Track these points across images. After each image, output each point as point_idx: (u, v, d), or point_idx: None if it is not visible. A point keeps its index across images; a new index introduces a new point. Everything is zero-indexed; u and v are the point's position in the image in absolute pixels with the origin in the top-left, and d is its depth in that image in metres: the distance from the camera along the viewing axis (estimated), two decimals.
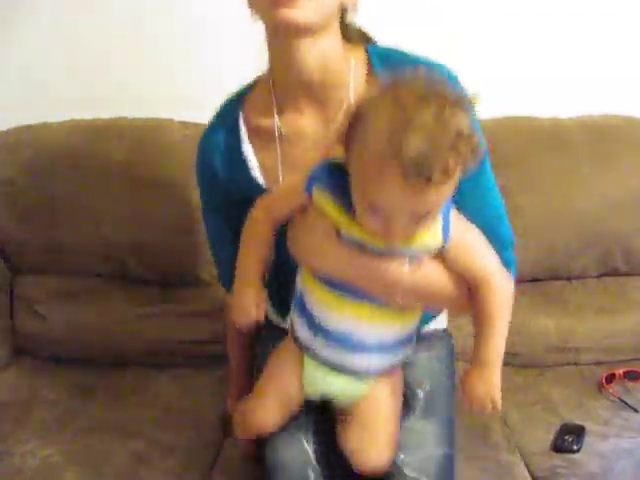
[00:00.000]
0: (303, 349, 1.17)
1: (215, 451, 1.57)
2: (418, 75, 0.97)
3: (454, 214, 1.07)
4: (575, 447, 1.54)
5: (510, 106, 2.04)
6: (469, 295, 1.09)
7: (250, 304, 1.11)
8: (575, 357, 1.90)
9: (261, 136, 1.20)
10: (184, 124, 1.97)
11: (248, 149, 1.22)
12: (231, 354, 1.53)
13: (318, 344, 1.14)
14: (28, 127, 2.00)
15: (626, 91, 2.14)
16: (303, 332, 1.16)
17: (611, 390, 1.76)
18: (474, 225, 1.10)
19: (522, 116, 2.02)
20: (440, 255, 1.07)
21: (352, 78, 1.14)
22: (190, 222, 1.87)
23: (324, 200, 1.05)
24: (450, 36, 2.09)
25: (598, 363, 1.89)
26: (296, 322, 1.18)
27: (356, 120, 0.97)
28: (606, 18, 2.09)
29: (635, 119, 2.04)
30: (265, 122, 1.20)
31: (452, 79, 1.18)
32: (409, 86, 0.96)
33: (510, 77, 2.11)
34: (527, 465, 1.53)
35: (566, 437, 1.57)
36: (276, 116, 1.19)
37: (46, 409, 1.69)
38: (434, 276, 1.09)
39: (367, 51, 1.20)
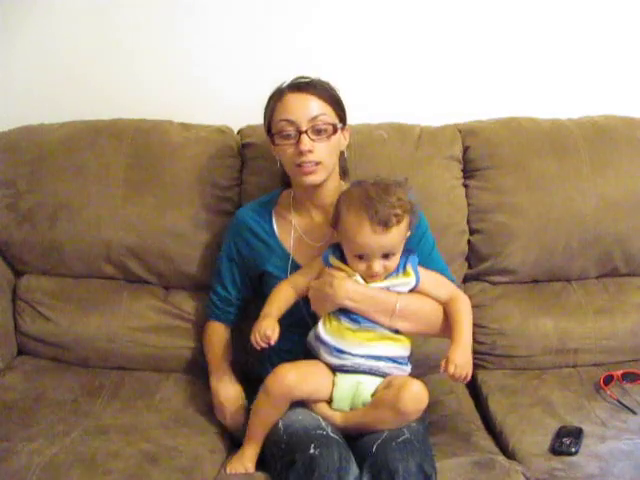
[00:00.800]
0: (333, 368, 1.56)
1: (222, 457, 1.58)
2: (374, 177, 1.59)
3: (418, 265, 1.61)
4: (573, 449, 1.55)
5: (510, 106, 2.05)
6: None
7: (267, 327, 1.53)
8: (574, 359, 1.91)
9: (284, 226, 1.72)
10: (184, 125, 1.97)
11: (275, 227, 1.73)
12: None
13: (345, 362, 1.55)
14: (28, 127, 2.01)
15: (626, 91, 2.14)
16: (330, 358, 1.55)
17: (609, 392, 1.76)
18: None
19: (522, 116, 2.02)
20: (417, 290, 1.60)
21: None
22: (190, 225, 1.88)
23: (338, 263, 1.58)
24: (451, 37, 2.09)
25: (596, 365, 1.90)
26: (322, 353, 1.57)
27: (339, 204, 1.56)
28: (606, 19, 2.10)
29: (635, 119, 2.04)
30: (287, 218, 1.72)
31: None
32: (368, 180, 1.57)
33: (510, 78, 2.12)
34: (525, 468, 1.54)
35: (564, 439, 1.57)
36: (293, 218, 1.72)
37: (52, 410, 1.70)
38: (419, 298, 1.60)
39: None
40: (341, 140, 1.67)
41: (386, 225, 1.48)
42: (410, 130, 1.97)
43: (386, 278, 1.57)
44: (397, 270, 1.58)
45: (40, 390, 1.77)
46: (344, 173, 1.76)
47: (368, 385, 1.54)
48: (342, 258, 1.58)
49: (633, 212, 1.95)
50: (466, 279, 1.98)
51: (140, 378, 1.84)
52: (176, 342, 1.87)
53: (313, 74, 1.66)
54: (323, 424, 1.49)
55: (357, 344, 1.54)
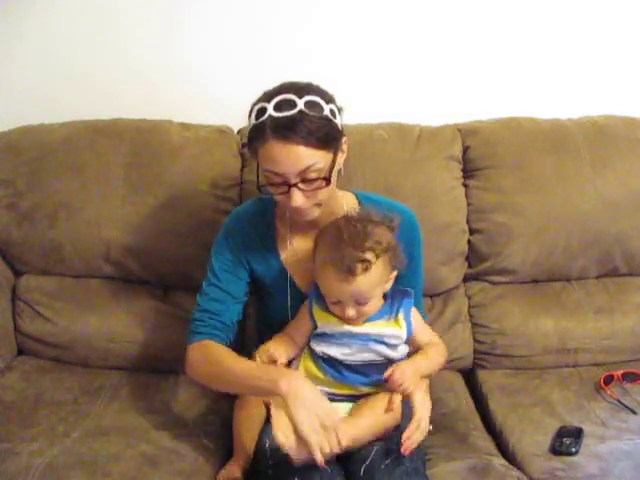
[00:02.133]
0: None
1: (222, 460, 1.57)
2: (357, 210, 1.50)
3: (413, 311, 1.52)
4: (573, 449, 1.55)
5: (510, 106, 2.05)
6: None
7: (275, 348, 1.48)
8: (574, 358, 1.91)
9: (281, 239, 1.61)
10: (184, 125, 1.97)
11: (275, 237, 1.61)
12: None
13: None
14: (28, 127, 2.00)
15: (626, 91, 2.14)
16: None
17: (609, 392, 1.76)
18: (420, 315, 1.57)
19: (522, 116, 2.02)
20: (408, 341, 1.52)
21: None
22: (190, 225, 1.88)
23: (322, 314, 1.49)
24: (451, 37, 2.09)
25: (597, 364, 1.90)
26: None
27: (315, 243, 1.47)
28: (606, 19, 2.10)
29: (635, 119, 2.04)
30: (284, 231, 1.60)
31: (411, 218, 1.59)
32: (347, 216, 1.46)
33: (510, 78, 2.12)
34: (526, 468, 1.54)
35: (564, 439, 1.57)
36: (290, 234, 1.59)
37: (52, 410, 1.69)
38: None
39: (356, 195, 1.64)
40: (340, 159, 1.49)
41: (350, 273, 1.37)
42: (410, 130, 1.96)
43: (373, 320, 1.47)
44: (389, 313, 1.48)
45: (40, 390, 1.77)
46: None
47: (343, 409, 1.47)
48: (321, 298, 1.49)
49: (633, 212, 1.95)
50: (466, 279, 1.98)
51: (140, 378, 1.84)
52: (176, 342, 1.83)
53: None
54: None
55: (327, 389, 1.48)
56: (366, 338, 1.47)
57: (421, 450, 1.52)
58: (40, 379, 1.82)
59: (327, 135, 1.41)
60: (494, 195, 1.93)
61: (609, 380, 1.80)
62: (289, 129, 1.37)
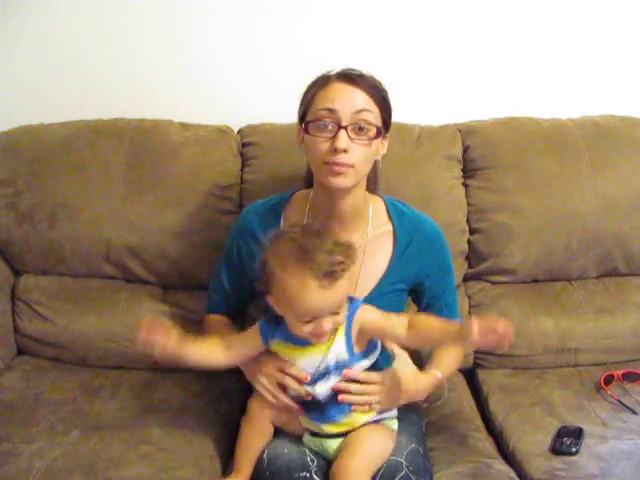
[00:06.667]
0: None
1: (223, 462, 1.57)
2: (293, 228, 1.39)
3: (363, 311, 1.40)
4: (574, 449, 1.55)
5: (510, 106, 2.05)
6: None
7: None
8: (574, 358, 1.91)
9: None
10: (184, 125, 1.98)
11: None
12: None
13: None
14: (28, 127, 2.01)
15: (626, 91, 2.14)
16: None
17: (610, 392, 1.76)
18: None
19: (522, 116, 2.02)
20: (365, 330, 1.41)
21: (371, 216, 1.57)
22: (190, 224, 1.88)
23: (281, 348, 1.43)
24: (451, 37, 2.09)
25: (597, 364, 1.90)
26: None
27: (269, 266, 1.33)
28: (606, 19, 2.10)
29: (635, 119, 2.04)
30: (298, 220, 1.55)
31: (435, 229, 1.59)
32: (294, 229, 1.37)
33: (510, 78, 2.12)
34: (526, 467, 1.54)
35: (565, 439, 1.57)
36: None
37: (51, 409, 1.69)
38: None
39: (383, 200, 1.61)
40: (379, 148, 1.50)
41: (334, 277, 1.28)
42: (410, 130, 1.97)
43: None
44: None
45: (39, 390, 1.77)
46: (374, 183, 1.62)
47: (334, 443, 1.45)
48: (280, 333, 1.41)
49: (633, 212, 1.95)
50: (466, 279, 1.98)
51: (139, 377, 1.84)
52: None
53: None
54: (309, 460, 1.42)
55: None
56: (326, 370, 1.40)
57: (427, 458, 1.49)
58: (40, 379, 1.82)
59: (384, 100, 1.50)
60: (494, 195, 1.93)
61: (609, 380, 1.80)
62: (354, 76, 1.46)
